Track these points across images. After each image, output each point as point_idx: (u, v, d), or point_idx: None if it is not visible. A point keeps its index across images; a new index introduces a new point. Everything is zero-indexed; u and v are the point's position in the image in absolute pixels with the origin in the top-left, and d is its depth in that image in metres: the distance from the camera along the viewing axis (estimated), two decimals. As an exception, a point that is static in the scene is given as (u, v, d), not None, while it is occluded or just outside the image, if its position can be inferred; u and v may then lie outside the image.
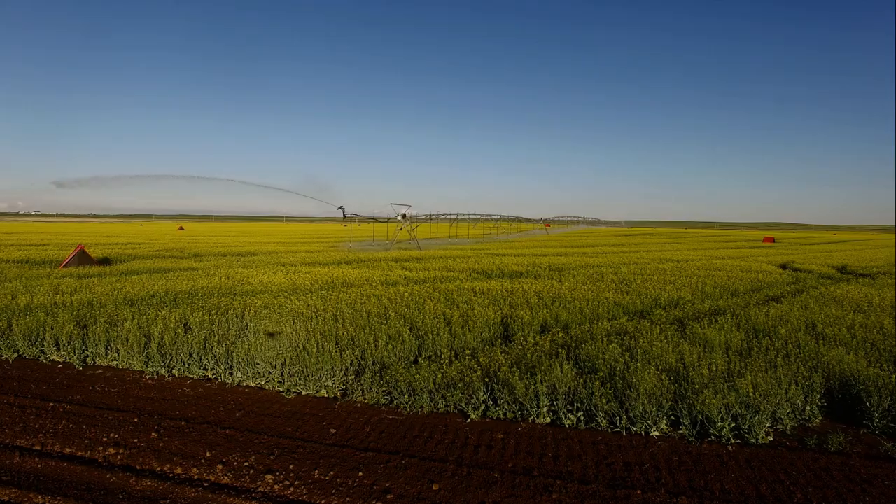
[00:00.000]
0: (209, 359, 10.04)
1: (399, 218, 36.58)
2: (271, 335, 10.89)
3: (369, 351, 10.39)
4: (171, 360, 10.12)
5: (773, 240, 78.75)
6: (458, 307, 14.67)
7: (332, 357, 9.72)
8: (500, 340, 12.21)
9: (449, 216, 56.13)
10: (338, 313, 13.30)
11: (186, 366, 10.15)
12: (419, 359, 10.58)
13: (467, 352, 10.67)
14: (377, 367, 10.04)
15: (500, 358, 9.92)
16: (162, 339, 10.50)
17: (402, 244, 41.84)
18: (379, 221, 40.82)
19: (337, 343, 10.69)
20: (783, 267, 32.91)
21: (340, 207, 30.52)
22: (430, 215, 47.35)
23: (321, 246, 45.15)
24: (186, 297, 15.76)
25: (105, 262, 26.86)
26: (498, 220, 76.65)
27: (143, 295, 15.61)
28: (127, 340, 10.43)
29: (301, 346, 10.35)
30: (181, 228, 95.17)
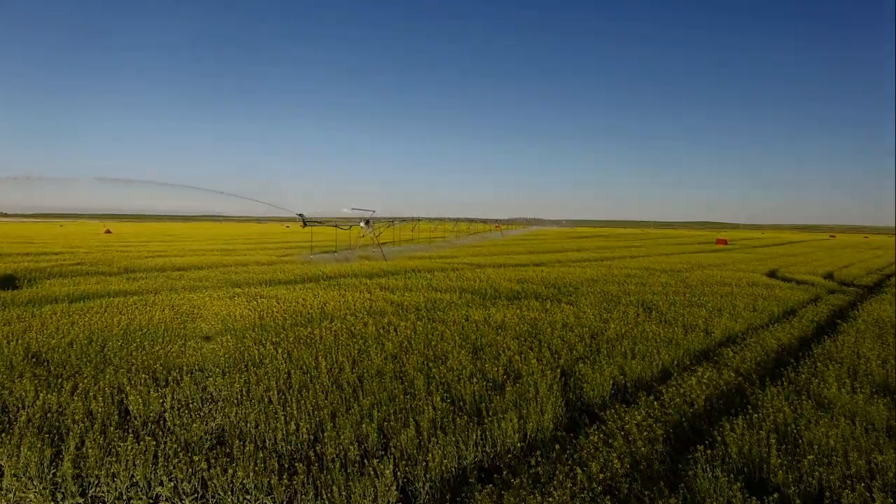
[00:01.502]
0: (165, 485, 6.29)
1: (362, 224, 32.95)
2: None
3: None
4: (97, 487, 6.30)
5: (725, 241, 79.75)
6: (484, 353, 11.45)
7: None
8: (565, 417, 9.03)
9: (408, 219, 52.68)
10: (339, 377, 9.77)
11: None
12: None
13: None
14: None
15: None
16: (81, 445, 6.70)
17: (365, 251, 38.09)
18: (341, 228, 36.95)
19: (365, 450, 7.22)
20: (772, 275, 31.58)
21: (300, 215, 26.77)
22: (392, 220, 43.80)
23: (273, 254, 40.63)
24: (119, 345, 11.73)
25: (7, 282, 21.80)
26: (456, 222, 73.72)
27: (57, 345, 11.45)
28: (19, 453, 6.51)
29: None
30: (108, 231, 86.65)
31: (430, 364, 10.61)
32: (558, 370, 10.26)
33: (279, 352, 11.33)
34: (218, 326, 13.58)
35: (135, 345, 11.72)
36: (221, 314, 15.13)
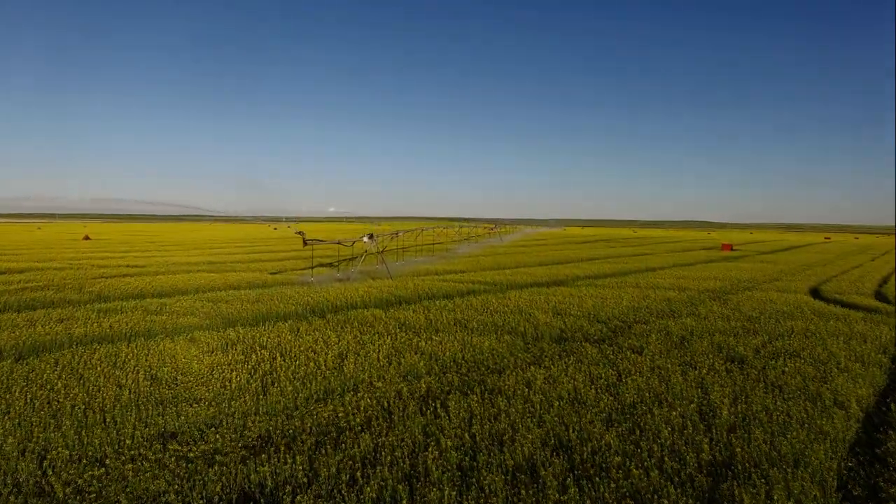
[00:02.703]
0: None
1: (365, 239, 29.68)
2: None
3: None
4: None
5: (731, 247, 77.28)
6: (584, 463, 8.26)
7: None
8: None
9: (410, 231, 49.37)
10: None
11: None
12: None
13: None
14: None
15: None
16: None
17: (367, 265, 34.69)
18: (343, 245, 33.60)
19: None
20: (818, 296, 28.77)
21: (300, 232, 23.44)
22: (397, 233, 40.51)
23: (266, 267, 37.02)
24: (64, 465, 8.35)
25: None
26: (460, 226, 70.55)
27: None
28: None
29: None
30: (87, 238, 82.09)
31: (521, 488, 7.38)
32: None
33: (298, 463, 8.03)
34: (209, 411, 10.18)
35: (88, 471, 8.32)
36: (213, 383, 11.74)
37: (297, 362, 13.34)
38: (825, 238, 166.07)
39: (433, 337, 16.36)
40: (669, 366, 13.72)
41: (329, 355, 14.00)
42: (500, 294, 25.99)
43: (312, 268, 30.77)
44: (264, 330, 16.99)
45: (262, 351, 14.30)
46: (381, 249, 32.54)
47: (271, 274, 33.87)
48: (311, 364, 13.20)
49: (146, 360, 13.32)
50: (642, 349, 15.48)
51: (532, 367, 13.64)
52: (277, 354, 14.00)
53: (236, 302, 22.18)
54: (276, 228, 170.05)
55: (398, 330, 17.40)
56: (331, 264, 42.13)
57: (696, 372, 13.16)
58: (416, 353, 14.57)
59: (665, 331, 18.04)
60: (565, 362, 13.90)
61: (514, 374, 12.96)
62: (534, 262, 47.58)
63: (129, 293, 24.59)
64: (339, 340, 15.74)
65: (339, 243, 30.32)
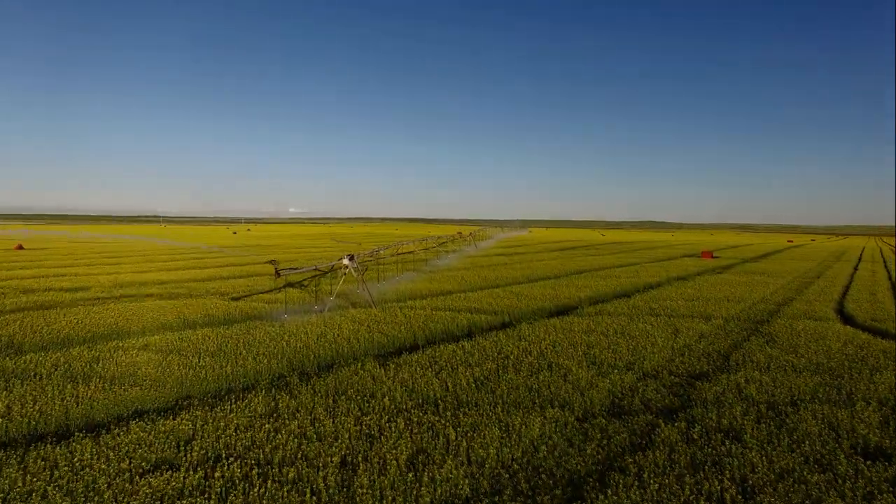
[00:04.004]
0: None
1: (345, 262, 25.49)
2: None
3: None
4: None
5: (711, 254, 75.70)
6: None
7: None
8: None
9: (390, 245, 45.06)
10: None
11: None
12: None
13: None
14: None
15: None
16: None
17: (345, 290, 30.33)
18: (320, 271, 29.19)
19: None
20: (849, 322, 26.05)
21: (272, 261, 19.24)
22: (377, 250, 36.23)
23: (231, 287, 32.13)
24: None
25: None
26: (436, 241, 66.31)
27: None
28: None
29: None
30: (20, 247, 74.18)
31: None
32: None
33: None
34: None
35: None
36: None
37: (284, 489, 9.07)
38: (788, 241, 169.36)
39: (460, 418, 12.32)
40: (797, 467, 10.09)
41: (329, 467, 9.79)
42: (511, 331, 22.12)
43: (283, 287, 26.14)
44: (230, 410, 12.60)
45: (231, 467, 9.93)
46: (362, 272, 28.27)
47: (234, 300, 29.08)
48: (307, 492, 8.95)
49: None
50: (738, 433, 11.83)
51: (611, 473, 9.80)
52: (252, 469, 9.70)
53: (192, 353, 17.57)
54: (235, 233, 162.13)
55: (410, 403, 13.27)
56: (302, 284, 37.49)
57: (848, 484, 9.55)
58: (447, 454, 10.52)
59: (740, 392, 14.51)
60: (650, 459, 10.12)
61: (593, 491, 9.06)
62: (521, 276, 44.00)
63: (51, 339, 19.63)
64: (337, 430, 11.53)
65: (316, 270, 25.92)
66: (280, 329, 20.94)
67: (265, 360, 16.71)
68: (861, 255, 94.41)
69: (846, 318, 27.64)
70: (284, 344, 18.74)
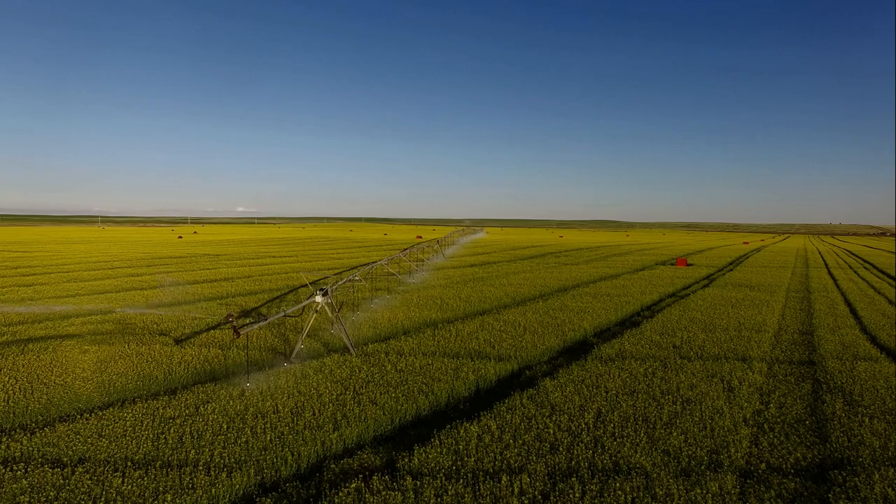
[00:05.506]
0: None
1: (318, 299, 20.67)
2: None
3: None
4: None
5: (686, 262, 73.90)
6: None
7: None
8: None
9: (367, 265, 39.97)
10: None
11: None
12: None
13: None
14: None
15: None
16: None
17: (314, 332, 25.28)
18: (290, 317, 24.13)
19: None
20: (878, 346, 23.09)
21: (229, 315, 14.24)
22: (353, 276, 31.25)
23: (174, 315, 26.43)
24: None
25: None
26: (403, 251, 61.36)
27: None
28: None
29: None
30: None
31: None
32: None
33: None
34: None
35: None
36: None
37: None
38: (744, 243, 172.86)
39: None
40: None
41: None
42: (534, 393, 17.75)
43: (241, 321, 20.88)
44: None
45: None
46: (338, 309, 23.40)
47: (178, 342, 23.56)
48: None
49: None
50: None
51: None
52: None
53: (110, 466, 12.30)
54: (181, 237, 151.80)
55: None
56: (260, 314, 32.05)
57: None
58: None
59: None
60: None
61: None
62: (505, 297, 39.83)
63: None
64: None
65: (285, 316, 20.84)
66: (241, 404, 15.81)
67: (224, 475, 11.67)
68: (824, 260, 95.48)
69: (883, 349, 24.76)
70: (248, 435, 13.72)
